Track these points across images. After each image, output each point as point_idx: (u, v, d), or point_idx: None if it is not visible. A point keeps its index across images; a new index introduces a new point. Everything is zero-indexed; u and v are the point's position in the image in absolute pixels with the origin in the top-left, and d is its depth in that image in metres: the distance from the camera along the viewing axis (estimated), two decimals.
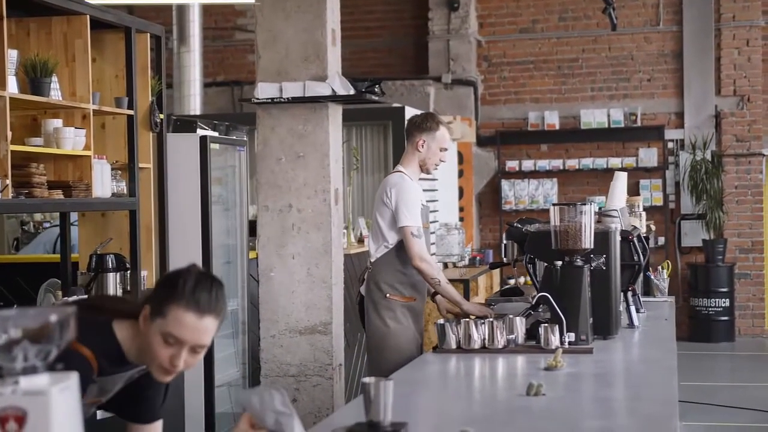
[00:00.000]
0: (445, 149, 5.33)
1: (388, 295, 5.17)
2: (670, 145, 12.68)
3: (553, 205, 4.45)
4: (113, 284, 5.38)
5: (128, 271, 5.52)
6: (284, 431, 2.50)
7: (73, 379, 1.78)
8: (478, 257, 10.79)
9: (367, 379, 2.73)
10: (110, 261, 5.38)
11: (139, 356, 2.69)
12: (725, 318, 12.23)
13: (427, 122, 5.30)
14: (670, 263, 6.76)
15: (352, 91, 5.75)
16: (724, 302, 12.20)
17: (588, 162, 12.68)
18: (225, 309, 2.67)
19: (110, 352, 2.66)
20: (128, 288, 5.56)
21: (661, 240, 12.48)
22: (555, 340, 4.16)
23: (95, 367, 2.62)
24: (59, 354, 2.32)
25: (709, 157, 12.32)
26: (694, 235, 12.53)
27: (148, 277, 5.79)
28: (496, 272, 11.12)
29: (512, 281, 11.89)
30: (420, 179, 5.38)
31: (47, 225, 8.28)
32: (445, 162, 5.49)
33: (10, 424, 1.70)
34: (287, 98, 5.68)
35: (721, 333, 12.20)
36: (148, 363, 2.66)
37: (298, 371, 5.68)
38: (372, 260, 5.27)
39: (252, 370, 6.75)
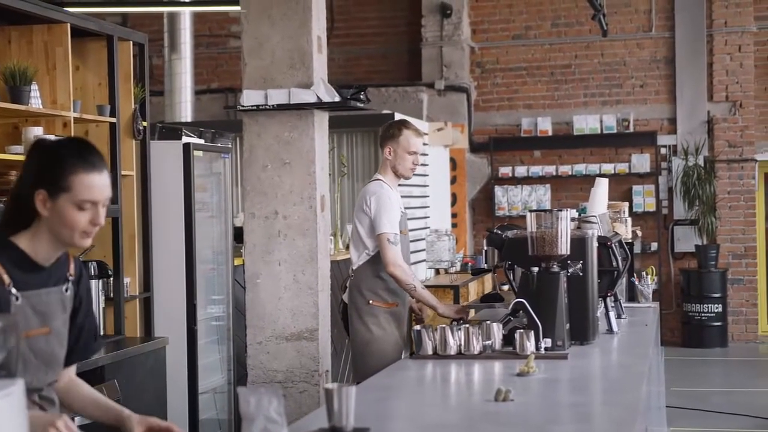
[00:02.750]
0: (414, 152, 5.35)
1: (371, 301, 5.22)
2: (663, 150, 12.70)
3: (530, 211, 4.46)
4: (95, 291, 5.39)
5: (111, 278, 5.53)
6: None
7: (17, 386, 1.79)
8: (470, 263, 10.79)
9: (329, 385, 2.75)
10: (93, 268, 5.39)
11: (49, 252, 2.72)
12: (718, 323, 12.24)
13: (389, 130, 5.38)
14: (654, 269, 6.77)
15: (337, 98, 5.76)
16: (717, 308, 12.20)
17: (581, 168, 12.69)
18: None
19: (17, 259, 2.67)
20: (111, 295, 5.57)
21: (654, 245, 12.49)
22: (530, 346, 4.17)
23: (6, 279, 2.63)
24: None
25: (701, 162, 12.33)
26: (686, 240, 12.54)
27: (131, 284, 5.81)
28: (488, 278, 11.12)
29: (506, 287, 11.89)
30: (406, 185, 5.40)
31: None
32: (418, 165, 5.50)
33: None
34: (273, 105, 5.70)
35: (714, 338, 12.21)
36: (65, 239, 2.69)
37: (285, 377, 5.68)
38: (354, 267, 5.33)
39: (238, 376, 6.76)
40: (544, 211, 4.43)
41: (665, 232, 12.65)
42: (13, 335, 1.79)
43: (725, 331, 12.31)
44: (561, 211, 4.41)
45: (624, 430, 2.85)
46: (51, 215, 2.67)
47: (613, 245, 5.00)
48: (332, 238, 7.81)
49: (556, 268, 4.40)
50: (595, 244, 4.69)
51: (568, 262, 4.47)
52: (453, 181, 12.28)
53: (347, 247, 8.14)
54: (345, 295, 5.38)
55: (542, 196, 12.78)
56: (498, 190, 12.87)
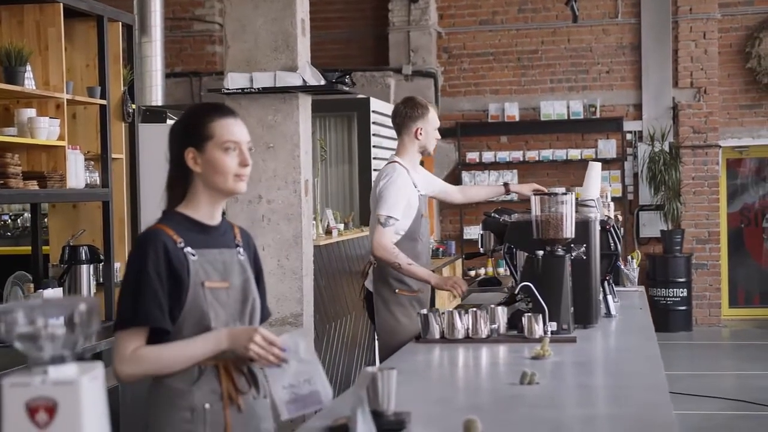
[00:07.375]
0: (437, 127, 5.40)
1: (397, 290, 5.13)
2: (629, 136, 12.80)
3: (534, 194, 4.45)
4: (86, 276, 5.30)
5: (101, 263, 5.44)
6: (309, 380, 2.51)
7: (99, 369, 1.75)
8: (441, 249, 10.82)
9: (371, 369, 2.72)
10: (83, 253, 5.31)
11: (209, 209, 2.85)
12: (683, 308, 12.39)
13: (417, 109, 5.30)
14: (639, 253, 6.81)
15: (322, 82, 5.73)
16: (682, 292, 12.35)
17: (548, 153, 12.75)
18: None
19: (183, 222, 2.83)
20: (101, 280, 5.49)
21: (620, 230, 12.57)
22: (539, 330, 4.17)
23: (173, 234, 2.78)
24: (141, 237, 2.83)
25: (667, 148, 12.45)
26: (652, 225, 12.66)
27: (122, 269, 5.72)
28: (458, 263, 11.16)
29: (472, 272, 11.93)
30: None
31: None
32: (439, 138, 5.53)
33: (40, 414, 1.67)
34: (258, 88, 5.64)
35: (678, 322, 12.36)
36: (221, 186, 2.83)
37: None
38: (376, 255, 5.13)
39: None
40: (549, 194, 4.42)
41: (631, 217, 12.76)
42: (95, 318, 1.75)
43: (690, 315, 12.47)
44: (566, 194, 4.41)
45: (660, 412, 2.86)
46: (204, 168, 2.82)
47: (611, 228, 5.02)
48: (313, 222, 7.76)
49: (560, 252, 4.40)
50: (598, 228, 4.70)
51: (572, 245, 4.47)
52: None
53: (327, 232, 8.10)
54: (368, 282, 5.25)
55: (509, 181, 12.80)
56: (465, 176, 12.89)
